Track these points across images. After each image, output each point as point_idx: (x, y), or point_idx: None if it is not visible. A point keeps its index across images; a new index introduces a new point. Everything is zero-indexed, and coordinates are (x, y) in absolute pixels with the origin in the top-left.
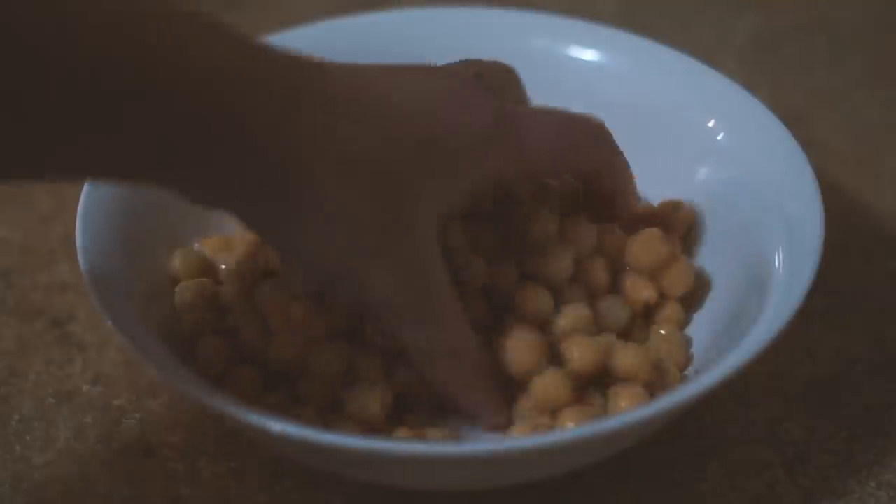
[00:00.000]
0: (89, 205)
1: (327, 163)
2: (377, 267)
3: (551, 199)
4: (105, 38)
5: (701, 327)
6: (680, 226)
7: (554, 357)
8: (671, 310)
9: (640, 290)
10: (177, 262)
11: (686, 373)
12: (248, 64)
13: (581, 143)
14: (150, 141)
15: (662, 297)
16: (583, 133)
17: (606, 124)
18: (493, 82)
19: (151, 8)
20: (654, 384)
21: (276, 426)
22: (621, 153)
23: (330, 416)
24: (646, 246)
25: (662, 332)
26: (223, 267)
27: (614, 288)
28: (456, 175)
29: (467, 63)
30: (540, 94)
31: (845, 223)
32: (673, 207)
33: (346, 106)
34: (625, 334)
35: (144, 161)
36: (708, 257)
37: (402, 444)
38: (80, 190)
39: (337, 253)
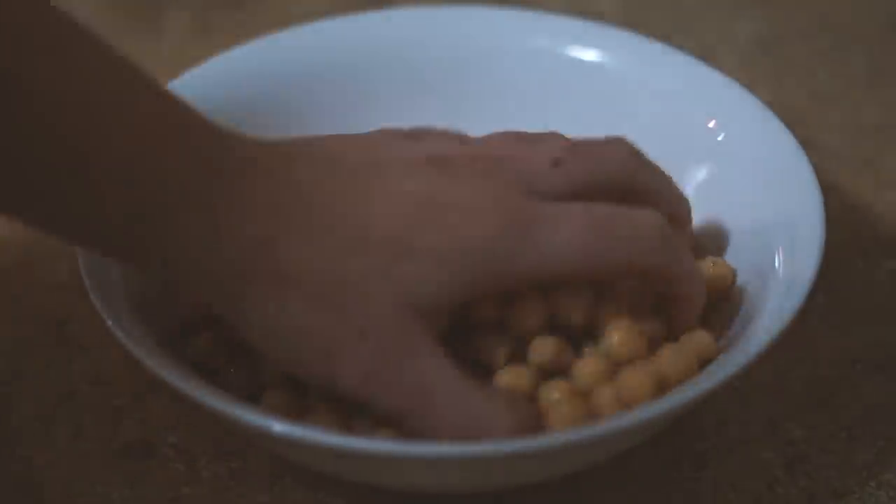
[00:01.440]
0: None
1: (264, 277)
2: (340, 371)
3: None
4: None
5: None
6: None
7: None
8: None
9: None
10: None
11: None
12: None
13: (623, 242)
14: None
15: None
16: (628, 230)
17: (606, 124)
18: (581, 170)
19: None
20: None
21: (277, 427)
22: (685, 255)
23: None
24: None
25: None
26: None
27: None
28: (438, 284)
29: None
30: (540, 94)
31: (845, 223)
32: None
33: (298, 217)
34: None
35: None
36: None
37: (401, 445)
38: None
39: (287, 357)
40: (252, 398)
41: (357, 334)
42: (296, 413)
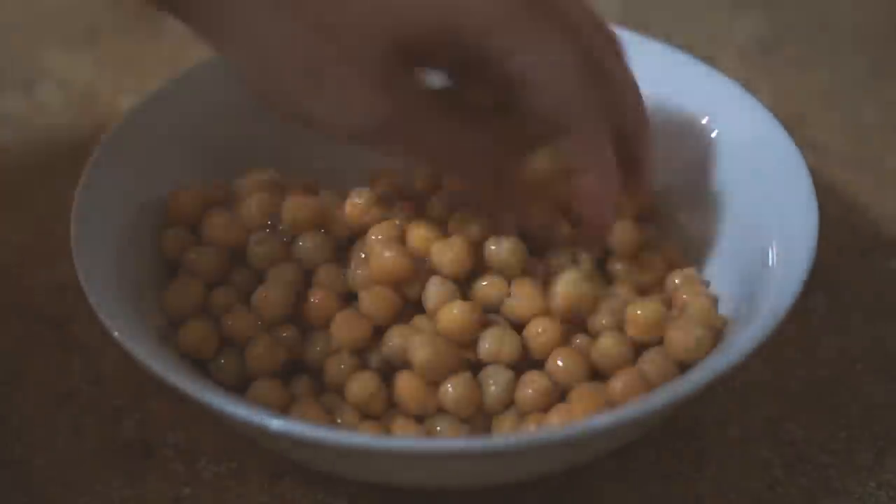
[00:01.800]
0: (84, 205)
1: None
2: (318, 93)
3: None
4: None
5: None
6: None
7: None
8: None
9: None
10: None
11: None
12: None
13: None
14: None
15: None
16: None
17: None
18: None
19: None
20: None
21: (276, 424)
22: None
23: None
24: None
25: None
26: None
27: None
28: (427, 19)
29: None
30: None
31: (845, 223)
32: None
33: None
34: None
35: None
36: (703, 255)
37: (399, 441)
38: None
39: (267, 75)
40: (239, 389)
41: (345, 56)
42: (281, 404)
